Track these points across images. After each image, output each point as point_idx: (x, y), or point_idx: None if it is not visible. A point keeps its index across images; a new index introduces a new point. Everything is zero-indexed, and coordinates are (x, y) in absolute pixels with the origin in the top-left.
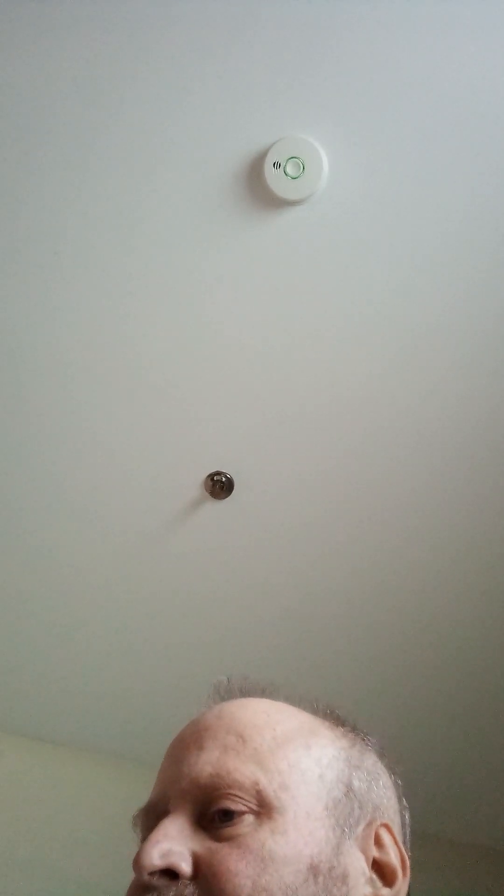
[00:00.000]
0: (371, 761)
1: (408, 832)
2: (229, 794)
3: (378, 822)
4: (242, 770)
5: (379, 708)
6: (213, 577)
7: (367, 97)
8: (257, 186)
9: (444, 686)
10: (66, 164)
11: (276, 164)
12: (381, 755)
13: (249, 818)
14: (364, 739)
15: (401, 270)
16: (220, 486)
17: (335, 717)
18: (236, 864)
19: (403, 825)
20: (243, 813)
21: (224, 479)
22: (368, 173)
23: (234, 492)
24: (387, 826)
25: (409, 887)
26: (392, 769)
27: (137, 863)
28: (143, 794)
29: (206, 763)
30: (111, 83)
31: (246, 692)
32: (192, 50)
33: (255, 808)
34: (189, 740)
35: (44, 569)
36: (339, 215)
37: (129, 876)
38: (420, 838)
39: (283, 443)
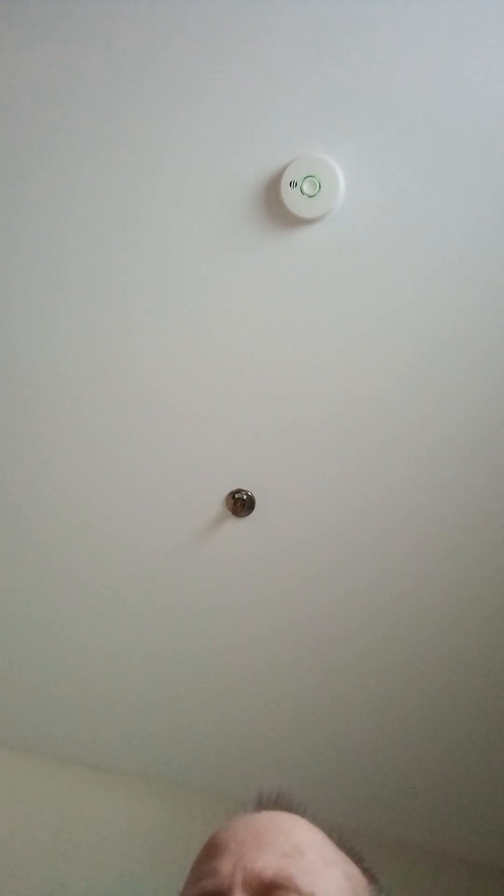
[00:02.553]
0: None
1: None
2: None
3: None
4: (301, 879)
5: (389, 717)
6: (234, 594)
7: (382, 115)
8: (274, 205)
9: (453, 697)
10: (75, 186)
11: (293, 183)
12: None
13: None
14: (377, 879)
15: (418, 286)
16: (241, 503)
17: (353, 853)
18: None
19: None
20: None
21: (245, 496)
22: (385, 191)
23: (255, 509)
24: None
25: None
26: None
27: None
28: (143, 810)
29: (268, 863)
30: (124, 102)
31: (284, 805)
32: (207, 70)
33: None
34: (245, 838)
35: (64, 588)
36: (356, 233)
37: (129, 889)
38: (423, 854)
39: (305, 460)
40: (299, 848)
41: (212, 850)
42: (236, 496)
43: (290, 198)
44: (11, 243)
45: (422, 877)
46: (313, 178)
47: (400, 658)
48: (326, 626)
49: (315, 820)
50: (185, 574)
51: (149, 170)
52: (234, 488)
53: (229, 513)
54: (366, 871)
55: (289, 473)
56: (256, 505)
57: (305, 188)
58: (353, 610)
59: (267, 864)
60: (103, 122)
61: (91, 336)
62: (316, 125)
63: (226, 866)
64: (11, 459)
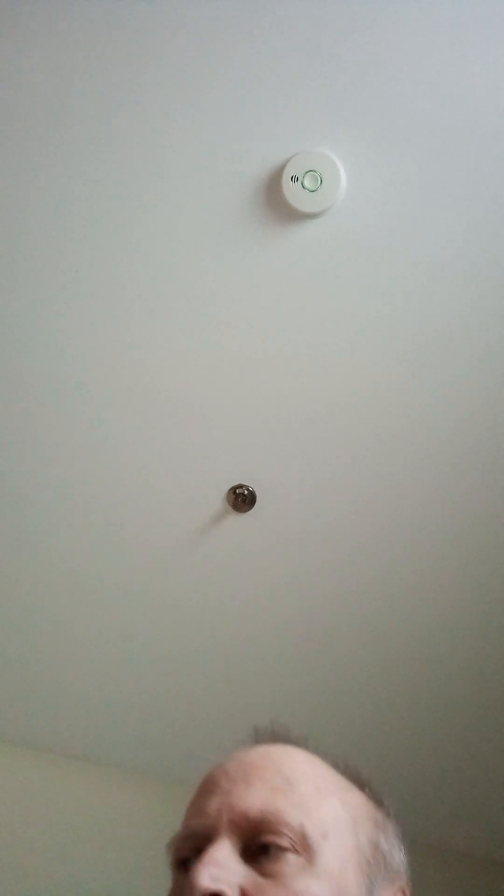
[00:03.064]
0: (392, 827)
1: None
2: (278, 831)
3: (397, 884)
4: (290, 812)
5: (388, 712)
6: (235, 589)
7: (383, 109)
8: (275, 200)
9: (452, 692)
10: (78, 182)
11: (294, 178)
12: (396, 821)
13: (293, 858)
14: (385, 805)
15: (419, 281)
16: (242, 499)
17: (359, 779)
18: None
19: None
20: (287, 851)
21: (246, 492)
22: (386, 185)
23: (256, 505)
24: (404, 890)
25: None
26: (401, 836)
27: (193, 883)
28: (145, 805)
29: (255, 799)
30: (125, 99)
31: (281, 738)
32: (208, 66)
33: (299, 849)
34: (234, 775)
35: (66, 582)
36: (357, 227)
37: (129, 886)
38: (422, 849)
39: (306, 455)
40: (290, 780)
41: (202, 788)
42: (237, 492)
43: (292, 192)
44: (14, 241)
45: (422, 872)
46: (315, 173)
47: (401, 653)
48: (328, 622)
49: (317, 751)
50: (186, 569)
51: (150, 165)
52: (235, 484)
53: (230, 508)
54: (372, 797)
55: (290, 469)
56: (257, 500)
57: (307, 183)
58: (355, 605)
59: (254, 801)
60: (104, 118)
61: (93, 332)
62: (317, 120)
63: (213, 805)
64: (14, 454)
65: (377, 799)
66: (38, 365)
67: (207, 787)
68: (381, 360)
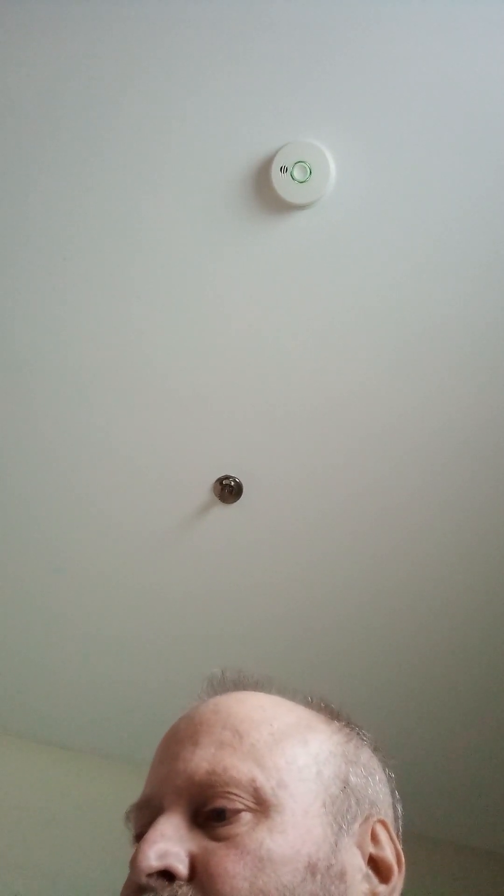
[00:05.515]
0: (366, 756)
1: (400, 825)
2: (226, 792)
3: (374, 818)
4: (239, 767)
5: (381, 708)
6: (221, 580)
7: (373, 101)
8: (264, 191)
9: (446, 687)
10: (71, 171)
11: (283, 169)
12: (375, 749)
13: (247, 816)
14: (359, 734)
15: (407, 273)
16: (228, 490)
17: (329, 711)
18: (234, 866)
19: (396, 818)
20: (240, 811)
21: (233, 483)
22: (375, 177)
23: (242, 496)
24: (382, 822)
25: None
26: (385, 763)
27: (134, 864)
28: (136, 795)
29: (202, 759)
30: (116, 89)
31: (240, 685)
32: (198, 55)
33: (252, 806)
34: (183, 735)
35: (53, 572)
36: (346, 219)
37: (121, 875)
38: (418, 840)
39: (292, 447)
40: (239, 731)
41: (156, 753)
42: (224, 483)
43: (281, 183)
44: (10, 231)
45: (421, 865)
46: (304, 164)
47: (392, 644)
48: (313, 614)
49: (286, 689)
50: (172, 560)
51: (140, 154)
52: (221, 475)
53: (217, 499)
54: (343, 728)
55: (276, 460)
56: (244, 492)
57: (296, 173)
58: (340, 598)
59: (200, 762)
60: (95, 108)
61: (82, 324)
62: (307, 111)
63: (161, 772)
64: (3, 445)
65: (349, 730)
66: (26, 353)
67: (159, 752)
68: (370, 351)
